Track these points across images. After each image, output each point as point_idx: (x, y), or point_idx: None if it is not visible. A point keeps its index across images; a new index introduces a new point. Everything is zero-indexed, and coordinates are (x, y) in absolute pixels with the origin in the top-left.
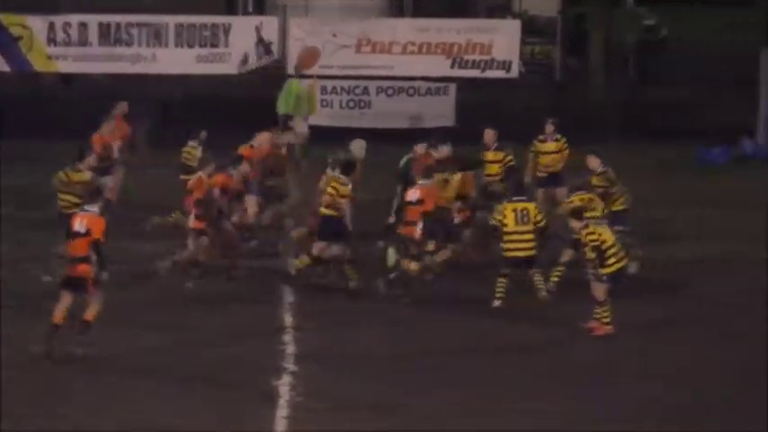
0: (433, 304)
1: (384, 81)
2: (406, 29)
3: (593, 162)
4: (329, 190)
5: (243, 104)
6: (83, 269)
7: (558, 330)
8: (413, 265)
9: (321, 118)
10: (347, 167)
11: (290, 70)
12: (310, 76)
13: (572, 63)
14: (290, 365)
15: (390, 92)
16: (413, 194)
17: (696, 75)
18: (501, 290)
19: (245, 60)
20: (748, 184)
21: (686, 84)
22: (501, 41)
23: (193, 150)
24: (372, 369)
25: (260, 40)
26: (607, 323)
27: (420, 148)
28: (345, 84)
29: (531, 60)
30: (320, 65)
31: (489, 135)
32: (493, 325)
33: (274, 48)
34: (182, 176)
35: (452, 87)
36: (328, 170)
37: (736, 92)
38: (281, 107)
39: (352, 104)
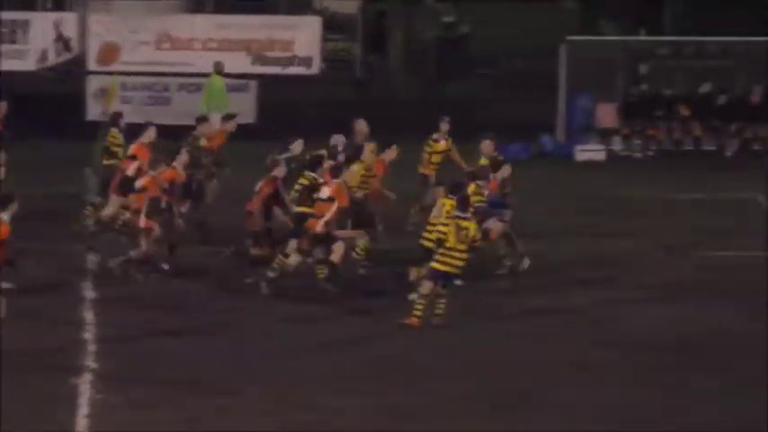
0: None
1: (185, 78)
2: (206, 25)
3: (488, 147)
4: (296, 187)
5: (42, 100)
6: None
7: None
8: (291, 260)
9: None
10: (314, 164)
11: (90, 66)
12: (110, 73)
13: (372, 60)
14: (91, 362)
15: (191, 88)
16: (324, 191)
17: (497, 71)
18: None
19: (43, 57)
20: (548, 179)
21: (487, 80)
22: (302, 38)
23: (117, 136)
24: (177, 366)
25: (59, 37)
26: (418, 316)
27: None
28: (145, 80)
29: (331, 57)
30: (120, 61)
31: (361, 125)
32: (336, 319)
33: (74, 44)
34: (105, 162)
35: (253, 84)
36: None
37: (537, 88)
38: (206, 106)
39: (152, 101)
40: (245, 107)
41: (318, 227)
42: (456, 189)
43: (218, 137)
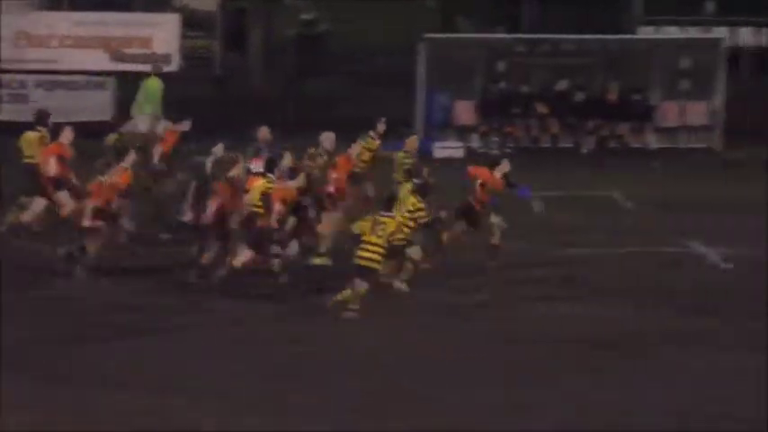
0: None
1: (42, 75)
2: (65, 22)
3: (413, 143)
4: (261, 191)
5: None
6: None
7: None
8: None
9: None
10: (269, 166)
11: None
12: None
13: (232, 57)
14: None
15: (49, 86)
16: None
17: (357, 68)
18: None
19: None
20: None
21: (346, 77)
22: (161, 35)
23: (47, 135)
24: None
25: None
26: (350, 309)
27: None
28: (2, 78)
29: (191, 54)
30: None
31: (264, 132)
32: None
33: None
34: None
35: (111, 81)
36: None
37: (396, 86)
38: (146, 108)
39: (9, 98)
40: (103, 105)
41: (273, 223)
42: (422, 190)
43: (172, 137)
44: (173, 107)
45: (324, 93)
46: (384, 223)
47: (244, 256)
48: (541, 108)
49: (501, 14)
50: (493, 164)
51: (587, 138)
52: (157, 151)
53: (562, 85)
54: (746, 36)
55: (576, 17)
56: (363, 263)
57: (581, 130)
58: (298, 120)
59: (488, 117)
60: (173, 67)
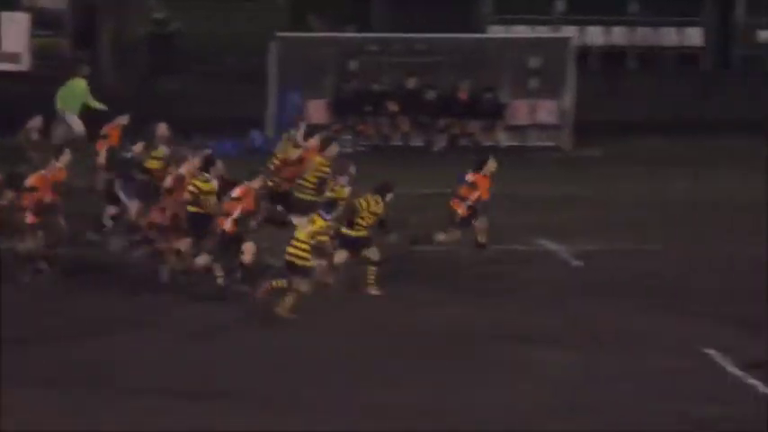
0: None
1: None
2: None
3: (334, 150)
4: (189, 188)
5: None
6: None
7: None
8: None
9: None
10: (206, 164)
11: None
12: None
13: (82, 55)
14: None
15: None
16: (234, 191)
17: (208, 67)
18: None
19: None
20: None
21: (199, 76)
22: (9, 34)
23: None
24: None
25: None
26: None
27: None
28: None
29: (41, 53)
30: None
31: (162, 129)
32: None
33: None
34: None
35: None
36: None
37: (248, 85)
38: (73, 107)
39: None
40: None
41: (227, 225)
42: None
43: (115, 132)
44: (25, 106)
45: (176, 92)
46: (313, 221)
47: (249, 252)
48: (392, 106)
49: (351, 13)
50: (480, 164)
51: (438, 136)
52: (105, 147)
53: (411, 82)
54: (595, 35)
55: (426, 15)
56: (288, 258)
57: (432, 128)
58: (150, 118)
59: (340, 116)
60: (23, 66)
